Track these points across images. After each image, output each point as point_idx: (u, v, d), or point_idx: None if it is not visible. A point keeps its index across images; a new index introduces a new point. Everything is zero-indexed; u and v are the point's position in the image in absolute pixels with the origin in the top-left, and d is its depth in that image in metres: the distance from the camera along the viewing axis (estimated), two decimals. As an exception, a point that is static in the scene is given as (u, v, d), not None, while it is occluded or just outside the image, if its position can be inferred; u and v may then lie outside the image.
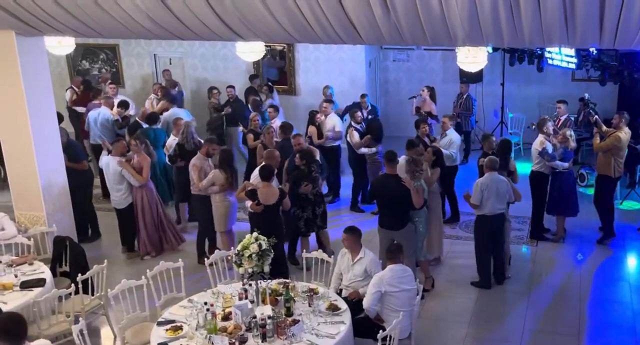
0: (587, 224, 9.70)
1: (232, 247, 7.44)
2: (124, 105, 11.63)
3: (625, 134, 9.13)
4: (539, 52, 11.91)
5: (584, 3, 4.60)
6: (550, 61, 12.03)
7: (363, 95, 11.70)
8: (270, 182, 7.70)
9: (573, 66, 11.62)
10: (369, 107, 11.58)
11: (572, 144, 9.05)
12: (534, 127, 11.74)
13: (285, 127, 9.90)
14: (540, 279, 8.41)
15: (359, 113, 10.69)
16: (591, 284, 8.22)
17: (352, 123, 10.58)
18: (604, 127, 9.48)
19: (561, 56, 11.62)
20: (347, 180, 11.20)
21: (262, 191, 7.64)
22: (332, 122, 10.87)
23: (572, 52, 11.14)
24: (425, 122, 10.23)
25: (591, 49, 10.96)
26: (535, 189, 9.34)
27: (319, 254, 7.11)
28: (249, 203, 7.80)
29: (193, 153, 9.08)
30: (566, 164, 9.00)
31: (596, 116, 10.14)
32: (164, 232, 9.22)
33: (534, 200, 9.38)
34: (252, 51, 8.56)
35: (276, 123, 10.71)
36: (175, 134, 10.00)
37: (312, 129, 10.89)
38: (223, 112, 12.49)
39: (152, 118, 10.67)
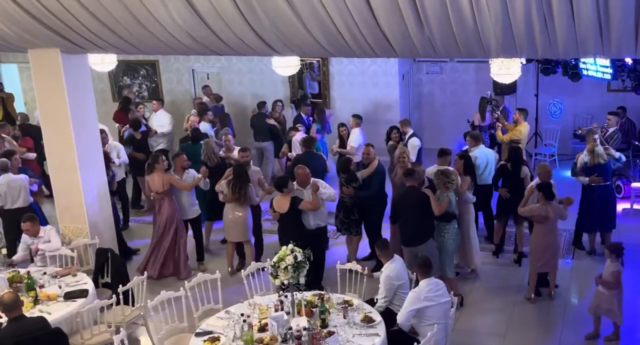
0: (626, 237, 9.53)
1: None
2: (134, 124, 11.58)
3: (524, 127, 10.69)
4: (573, 62, 11.82)
5: (618, 13, 4.58)
6: (585, 72, 11.91)
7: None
8: (283, 192, 7.93)
9: (609, 77, 11.49)
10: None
11: (598, 160, 8.76)
12: (580, 131, 11.68)
13: (307, 141, 10.05)
14: (577, 291, 8.33)
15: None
16: (629, 297, 8.09)
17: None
18: (506, 122, 10.99)
19: (596, 67, 11.51)
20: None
21: (277, 200, 8.00)
22: (351, 138, 11.03)
23: (607, 62, 11.02)
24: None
25: (627, 59, 10.85)
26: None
27: (353, 265, 7.15)
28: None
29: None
30: (586, 179, 8.83)
31: (498, 112, 11.35)
32: (166, 256, 8.86)
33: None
34: (287, 65, 8.73)
35: (296, 137, 11.03)
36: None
37: (336, 143, 11.30)
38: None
39: (194, 135, 10.76)
